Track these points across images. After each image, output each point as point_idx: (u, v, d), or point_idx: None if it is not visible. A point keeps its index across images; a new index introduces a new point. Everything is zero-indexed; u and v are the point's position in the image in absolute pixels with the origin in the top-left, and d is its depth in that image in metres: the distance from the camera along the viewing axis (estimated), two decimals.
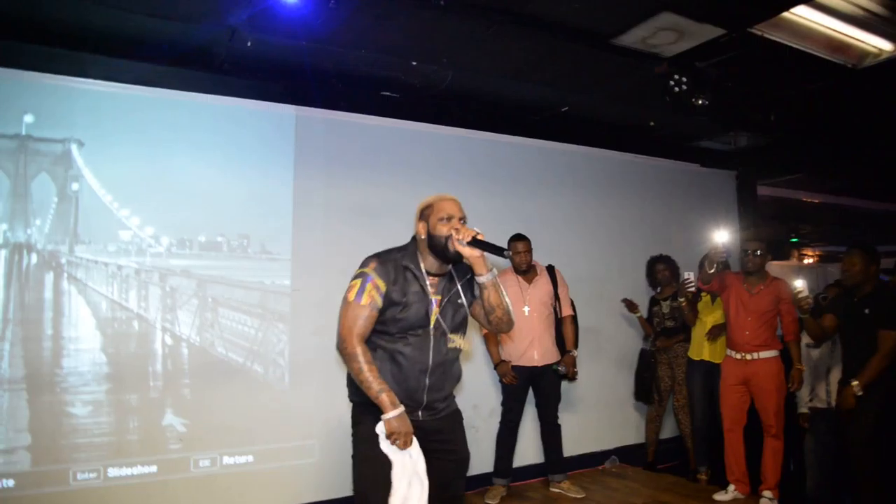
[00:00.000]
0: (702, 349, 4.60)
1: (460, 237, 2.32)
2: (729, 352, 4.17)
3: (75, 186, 3.52)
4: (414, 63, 3.86)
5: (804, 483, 4.23)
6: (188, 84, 3.80)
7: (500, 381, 4.38)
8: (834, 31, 3.63)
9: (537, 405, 4.47)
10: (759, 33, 3.58)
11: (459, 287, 2.50)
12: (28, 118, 3.43)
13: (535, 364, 4.30)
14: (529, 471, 4.62)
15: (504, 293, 2.45)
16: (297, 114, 4.07)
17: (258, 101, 3.98)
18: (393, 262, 2.40)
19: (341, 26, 3.39)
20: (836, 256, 9.20)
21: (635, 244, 5.44)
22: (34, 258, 3.43)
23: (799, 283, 3.72)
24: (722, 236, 3.99)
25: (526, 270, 4.39)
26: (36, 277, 3.44)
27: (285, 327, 3.94)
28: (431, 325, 2.41)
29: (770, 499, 3.96)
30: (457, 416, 2.62)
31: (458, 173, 4.67)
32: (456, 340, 2.49)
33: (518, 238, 4.39)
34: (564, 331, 4.45)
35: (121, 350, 3.57)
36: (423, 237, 2.44)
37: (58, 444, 3.36)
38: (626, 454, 5.14)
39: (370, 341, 2.39)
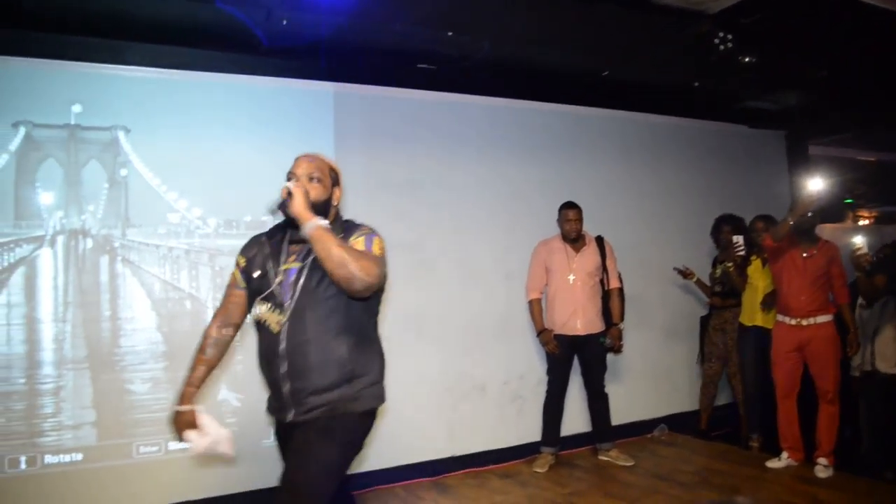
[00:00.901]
0: (754, 315, 4.49)
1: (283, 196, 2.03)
2: (781, 317, 4.07)
3: (124, 172, 3.61)
4: (449, 34, 3.82)
5: (860, 449, 4.15)
6: (227, 66, 3.84)
7: (545, 349, 4.39)
8: None
9: (583, 374, 4.47)
10: None
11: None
12: (76, 108, 3.53)
13: (578, 333, 4.28)
14: (577, 439, 4.62)
15: (332, 245, 1.93)
16: (335, 90, 4.08)
17: (296, 79, 4.01)
18: (260, 235, 2.25)
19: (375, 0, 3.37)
20: (893, 217, 8.83)
21: (681, 210, 5.33)
22: (89, 243, 3.55)
23: (858, 240, 3.60)
24: (816, 184, 3.59)
25: (575, 239, 4.35)
26: (92, 261, 3.56)
27: None
28: (280, 297, 2.07)
29: (825, 466, 3.89)
30: (329, 427, 2.03)
31: (498, 143, 4.64)
32: (316, 311, 2.05)
33: (569, 206, 4.36)
34: (611, 303, 4.42)
35: (175, 329, 3.68)
36: None
37: (120, 419, 3.51)
38: (675, 422, 5.09)
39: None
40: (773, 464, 4.09)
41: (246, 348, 3.79)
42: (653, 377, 5.13)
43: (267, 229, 2.27)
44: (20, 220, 3.44)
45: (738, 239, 4.35)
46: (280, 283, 2.08)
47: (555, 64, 4.52)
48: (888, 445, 3.96)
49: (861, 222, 10.00)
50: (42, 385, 3.38)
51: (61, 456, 3.39)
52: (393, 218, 4.20)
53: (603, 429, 4.46)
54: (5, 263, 3.39)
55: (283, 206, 2.03)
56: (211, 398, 3.70)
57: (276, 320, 2.06)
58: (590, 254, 4.39)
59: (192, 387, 2.19)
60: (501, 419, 4.49)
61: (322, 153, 2.27)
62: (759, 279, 4.47)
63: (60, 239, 3.49)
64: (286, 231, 2.17)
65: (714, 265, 4.89)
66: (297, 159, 2.20)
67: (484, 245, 4.52)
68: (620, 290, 4.50)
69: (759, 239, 4.35)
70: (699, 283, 4.90)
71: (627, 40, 4.10)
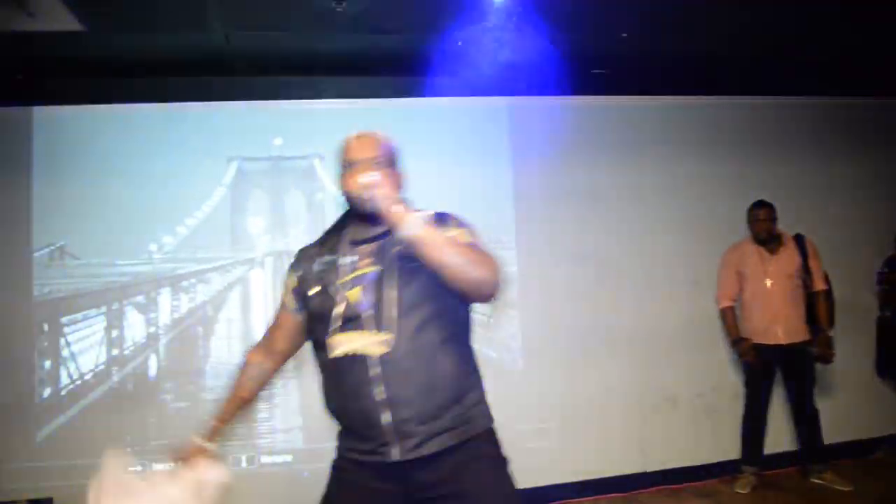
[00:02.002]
0: None
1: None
2: None
3: (320, 196, 3.93)
4: (624, 35, 3.72)
5: None
6: (404, 90, 4.06)
7: (742, 360, 4.08)
8: None
9: (787, 388, 4.08)
10: None
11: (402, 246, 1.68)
12: (277, 141, 3.91)
13: (780, 342, 3.93)
14: (781, 459, 4.22)
15: (448, 245, 1.58)
16: (509, 104, 4.15)
17: (470, 97, 4.11)
18: (314, 242, 1.86)
19: (544, 9, 3.38)
20: None
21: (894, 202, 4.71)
22: None
23: None
24: None
25: (768, 240, 4.03)
26: None
27: (515, 313, 4.04)
28: (367, 312, 1.65)
29: None
30: (476, 453, 1.69)
31: (677, 143, 4.42)
32: (413, 321, 1.64)
33: (759, 205, 4.05)
34: (818, 308, 4.01)
35: None
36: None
37: (324, 424, 3.77)
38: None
39: (316, 363, 1.78)
40: None
41: None
42: (871, 390, 4.53)
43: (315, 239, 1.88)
44: (235, 244, 3.87)
45: None
46: (354, 299, 1.67)
47: (732, 53, 4.21)
48: None
49: None
50: None
51: (274, 457, 3.73)
52: (574, 228, 4.18)
53: (813, 448, 4.03)
54: (224, 284, 3.83)
55: (359, 203, 1.66)
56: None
57: (363, 343, 1.64)
58: (788, 255, 4.02)
59: (219, 421, 1.80)
60: (695, 434, 4.24)
61: (377, 131, 1.84)
62: None
63: (269, 260, 3.87)
64: (341, 233, 1.80)
65: (893, 266, 4.29)
66: (348, 142, 1.79)
67: (668, 251, 4.31)
68: (827, 292, 4.06)
69: None
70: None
71: (819, 14, 3.70)
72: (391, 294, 1.64)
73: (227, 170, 3.85)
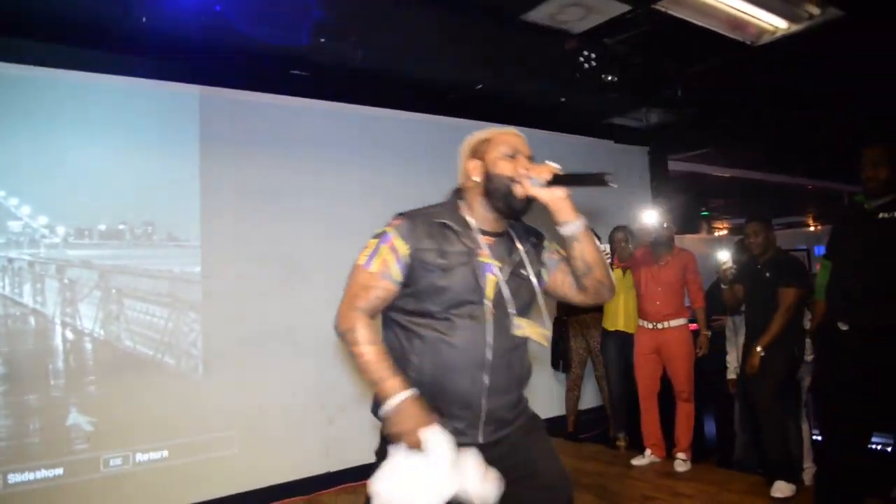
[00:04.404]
0: (616, 320, 4.70)
1: (533, 176, 1.75)
2: (641, 322, 4.31)
3: None
4: (322, 40, 3.76)
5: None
6: (81, 63, 3.57)
7: None
8: (734, 8, 3.74)
9: None
10: (664, 9, 3.65)
11: (524, 254, 1.87)
12: None
13: None
14: None
15: (597, 248, 1.84)
16: (201, 94, 3.89)
17: (158, 80, 3.78)
18: (423, 218, 1.81)
19: (244, 1, 3.26)
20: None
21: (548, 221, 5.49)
22: None
23: (723, 256, 3.89)
24: (651, 217, 4.10)
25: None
26: None
27: (197, 316, 3.79)
28: (487, 299, 1.75)
29: (683, 460, 4.14)
30: (535, 422, 1.92)
31: (373, 152, 4.60)
32: (524, 326, 1.81)
33: None
34: None
35: (16, 348, 3.35)
36: (477, 180, 1.84)
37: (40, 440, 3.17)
38: (547, 426, 5.19)
39: (408, 330, 1.78)
40: (637, 461, 4.29)
41: (98, 369, 3.53)
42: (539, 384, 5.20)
43: (424, 209, 1.86)
44: None
45: (604, 247, 4.55)
46: (477, 279, 1.75)
47: (430, 76, 4.57)
48: (757, 444, 4.20)
49: (717, 233, 10.84)
50: None
51: None
52: (264, 225, 4.07)
53: None
54: None
55: (510, 194, 1.78)
56: (59, 423, 3.40)
57: (526, 330, 1.81)
58: None
59: (395, 376, 1.66)
60: (376, 432, 4.41)
61: None
62: (619, 287, 4.69)
63: None
64: (455, 215, 1.84)
65: None
66: (506, 134, 1.91)
67: (354, 253, 4.38)
68: None
69: (617, 249, 4.60)
70: None
71: (499, 55, 4.21)
72: (509, 290, 1.78)
73: None
